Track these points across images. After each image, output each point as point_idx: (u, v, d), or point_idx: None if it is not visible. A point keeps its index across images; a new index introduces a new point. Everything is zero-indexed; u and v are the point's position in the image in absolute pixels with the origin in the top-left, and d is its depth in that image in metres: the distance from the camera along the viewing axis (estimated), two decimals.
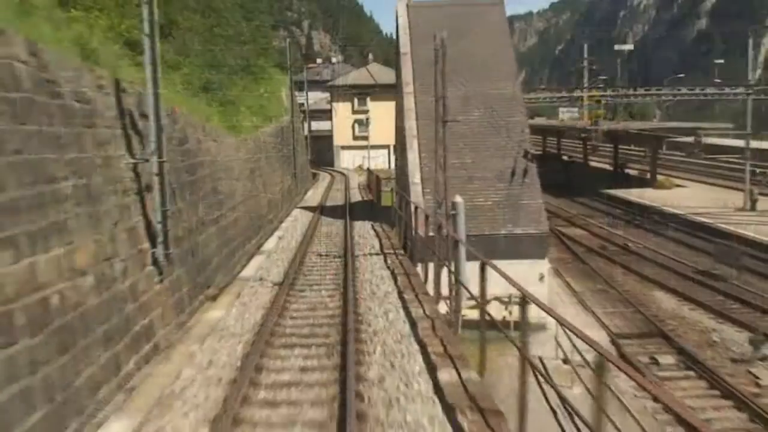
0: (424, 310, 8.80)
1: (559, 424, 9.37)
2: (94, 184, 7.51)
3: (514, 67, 19.49)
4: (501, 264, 6.13)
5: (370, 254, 13.49)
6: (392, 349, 7.28)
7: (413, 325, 8.18)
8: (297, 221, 20.09)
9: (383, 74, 52.03)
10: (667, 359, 14.70)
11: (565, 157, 55.97)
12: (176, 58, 17.68)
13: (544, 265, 16.27)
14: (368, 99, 52.04)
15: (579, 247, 26.22)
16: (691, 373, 14.06)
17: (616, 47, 51.88)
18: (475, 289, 6.90)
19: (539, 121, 58.16)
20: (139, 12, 8.92)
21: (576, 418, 4.93)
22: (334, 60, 79.10)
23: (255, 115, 25.19)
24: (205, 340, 7.80)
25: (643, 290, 20.11)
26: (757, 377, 13.85)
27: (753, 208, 30.81)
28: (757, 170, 36.24)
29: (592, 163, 52.39)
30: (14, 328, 5.34)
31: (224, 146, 15.66)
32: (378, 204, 24.79)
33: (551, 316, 4.69)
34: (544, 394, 7.56)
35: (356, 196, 30.81)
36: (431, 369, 6.51)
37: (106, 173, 7.96)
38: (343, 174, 46.07)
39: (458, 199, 12.25)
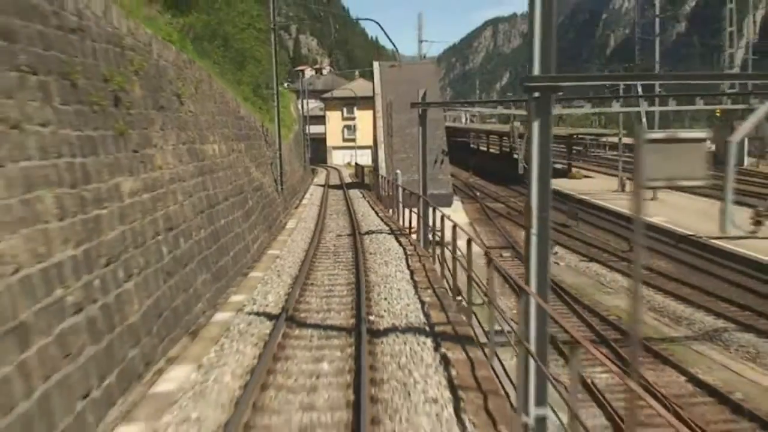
0: (381, 210, 25.17)
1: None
2: (266, 159, 23.80)
3: (440, 100, 35.90)
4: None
5: (358, 198, 29.97)
6: (365, 210, 23.66)
7: (376, 212, 24.52)
8: (315, 190, 36.52)
9: (368, 88, 68.45)
10: (507, 254, 31.03)
11: (515, 155, 72.65)
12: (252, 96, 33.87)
13: (449, 210, 32.56)
14: (355, 109, 68.44)
15: (492, 213, 42.68)
16: (517, 260, 30.36)
17: (525, 84, 67.79)
18: (413, 222, 23.01)
19: (497, 126, 74.94)
20: (273, 97, 25.27)
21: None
22: (324, 71, 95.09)
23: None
24: (303, 212, 24.19)
25: (517, 232, 36.53)
26: None
27: (623, 190, 47.54)
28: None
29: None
30: (261, 192, 21.57)
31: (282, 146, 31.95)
32: (362, 182, 41.33)
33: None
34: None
35: (348, 180, 47.28)
36: (379, 216, 22.83)
37: (266, 155, 24.23)
38: (336, 169, 62.37)
39: (398, 172, 28.50)
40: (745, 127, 10.87)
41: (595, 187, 50.11)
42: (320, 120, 75.13)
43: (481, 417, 5.90)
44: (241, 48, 32.63)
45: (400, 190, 23.97)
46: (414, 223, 19.69)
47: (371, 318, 9.34)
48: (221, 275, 12.63)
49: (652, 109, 38.98)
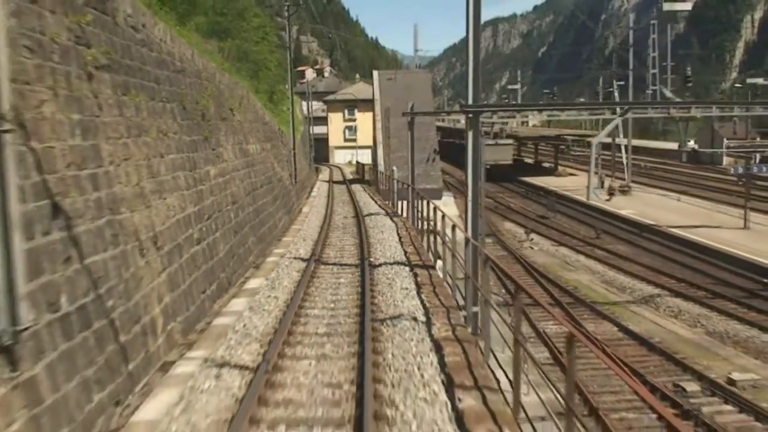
0: (380, 200, 30.37)
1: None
2: (283, 157, 29.00)
3: (431, 107, 41.16)
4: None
5: (359, 191, 35.22)
6: (366, 200, 28.89)
7: (375, 201, 29.70)
8: (321, 185, 41.79)
9: (368, 91, 73.61)
10: (489, 240, 36.17)
11: None
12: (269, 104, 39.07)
13: (439, 203, 37.73)
14: (356, 110, 73.67)
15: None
16: (498, 245, 35.54)
17: (509, 87, 73.22)
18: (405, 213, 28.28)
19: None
20: (289, 107, 30.52)
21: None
22: (326, 72, 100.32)
23: (286, 125, 46.48)
24: (314, 201, 29.45)
25: (501, 222, 41.74)
26: (523, 245, 35.36)
27: (602, 187, 52.75)
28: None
29: (527, 160, 74.56)
30: (281, 183, 26.77)
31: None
32: (363, 179, 46.65)
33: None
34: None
35: (350, 177, 52.59)
36: (378, 204, 28.04)
37: (283, 154, 29.44)
38: (338, 168, 67.58)
39: (394, 168, 33.72)
40: (603, 134, 15.73)
41: (578, 183, 55.30)
42: (323, 121, 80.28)
43: (431, 295, 11.09)
44: (257, 59, 37.86)
45: (396, 182, 29.19)
46: (406, 209, 24.87)
47: (371, 259, 14.50)
48: (262, 240, 17.81)
49: (628, 116, 44.24)
